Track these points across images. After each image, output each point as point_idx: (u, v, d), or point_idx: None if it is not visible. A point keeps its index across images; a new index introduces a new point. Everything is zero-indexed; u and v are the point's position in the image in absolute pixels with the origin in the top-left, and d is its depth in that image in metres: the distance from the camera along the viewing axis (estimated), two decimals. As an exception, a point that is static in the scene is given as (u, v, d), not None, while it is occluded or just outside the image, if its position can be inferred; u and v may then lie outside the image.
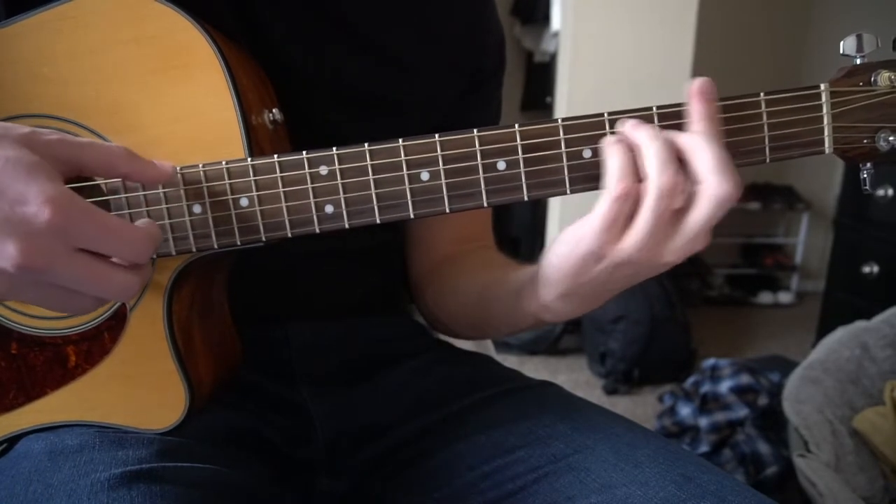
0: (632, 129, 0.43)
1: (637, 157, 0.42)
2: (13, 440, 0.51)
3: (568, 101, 2.42)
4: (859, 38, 0.44)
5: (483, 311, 0.61)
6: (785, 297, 3.18)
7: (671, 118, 0.44)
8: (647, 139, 0.42)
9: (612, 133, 0.44)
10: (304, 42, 0.55)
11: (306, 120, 0.55)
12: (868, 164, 0.46)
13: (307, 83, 0.56)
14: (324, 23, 0.55)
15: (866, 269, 2.04)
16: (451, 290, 0.65)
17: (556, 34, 2.74)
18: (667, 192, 0.41)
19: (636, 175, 0.42)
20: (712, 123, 0.42)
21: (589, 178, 0.45)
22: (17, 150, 0.36)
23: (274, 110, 0.51)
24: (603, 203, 0.42)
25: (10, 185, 0.35)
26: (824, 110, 0.44)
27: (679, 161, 0.42)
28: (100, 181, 0.46)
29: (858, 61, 0.44)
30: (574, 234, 0.45)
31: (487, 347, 0.84)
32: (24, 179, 0.35)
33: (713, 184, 0.40)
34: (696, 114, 0.43)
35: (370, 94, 0.58)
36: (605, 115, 0.44)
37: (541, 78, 3.14)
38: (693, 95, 0.43)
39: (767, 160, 0.45)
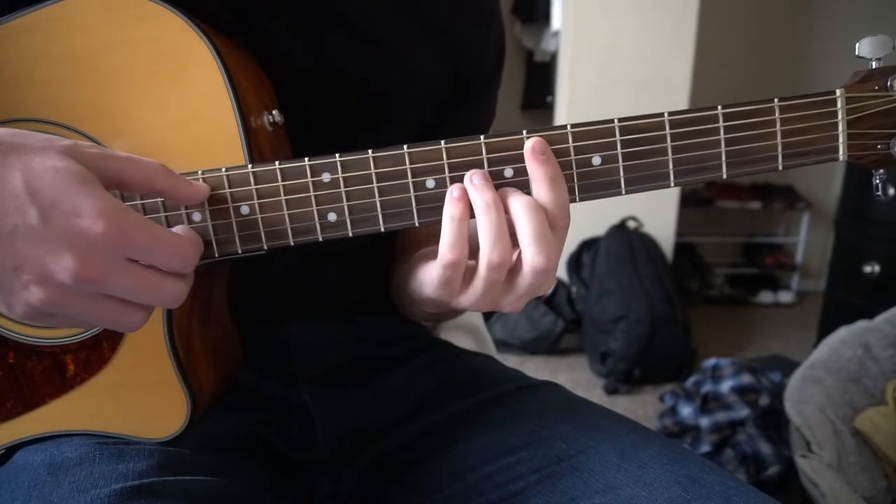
0: (475, 191, 0.43)
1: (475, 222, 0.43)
2: (11, 449, 0.50)
3: (568, 101, 2.42)
4: (875, 40, 0.42)
5: (396, 287, 0.62)
6: (785, 297, 3.18)
7: (683, 125, 0.43)
8: (483, 210, 0.42)
9: (461, 183, 0.44)
10: (301, 35, 0.54)
11: (304, 115, 0.54)
12: (881, 170, 0.45)
13: (305, 77, 0.55)
14: (321, 15, 0.54)
15: (867, 269, 2.04)
16: (393, 273, 0.65)
17: (556, 33, 2.74)
18: (495, 267, 0.43)
19: (467, 242, 0.43)
20: (544, 185, 0.43)
21: (597, 185, 0.45)
22: (64, 161, 0.35)
23: (274, 112, 0.50)
24: (437, 265, 0.44)
25: (62, 197, 0.34)
26: (839, 117, 0.43)
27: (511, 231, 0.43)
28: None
29: (874, 65, 0.43)
30: (422, 275, 0.49)
31: (488, 347, 0.84)
32: (76, 190, 0.35)
33: (527, 255, 0.42)
34: (531, 174, 0.43)
35: (368, 88, 0.58)
36: (616, 121, 0.43)
37: (541, 77, 3.14)
38: (526, 157, 0.43)
39: (780, 167, 0.44)
